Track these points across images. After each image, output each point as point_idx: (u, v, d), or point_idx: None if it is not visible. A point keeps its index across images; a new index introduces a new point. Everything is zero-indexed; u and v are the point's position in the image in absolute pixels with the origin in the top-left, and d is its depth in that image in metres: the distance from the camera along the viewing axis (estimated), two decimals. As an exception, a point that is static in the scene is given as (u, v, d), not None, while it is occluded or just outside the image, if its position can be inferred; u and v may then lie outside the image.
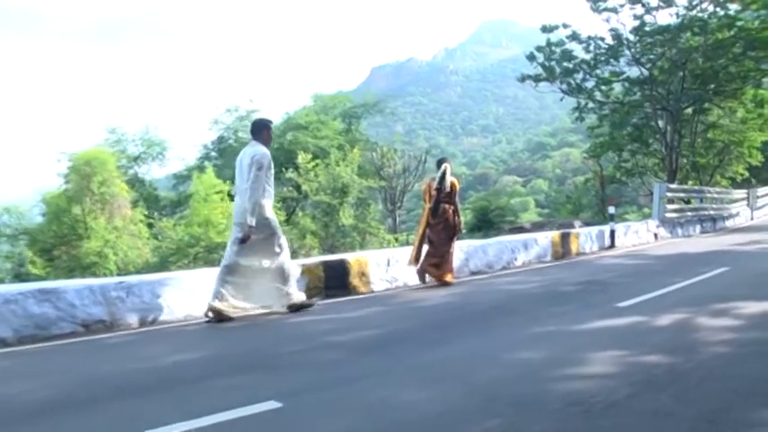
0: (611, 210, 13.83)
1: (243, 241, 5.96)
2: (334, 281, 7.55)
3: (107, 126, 20.54)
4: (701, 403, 2.85)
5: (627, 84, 21.90)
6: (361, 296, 7.41)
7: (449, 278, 8.12)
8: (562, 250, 11.90)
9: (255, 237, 6.00)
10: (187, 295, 6.42)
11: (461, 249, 9.63)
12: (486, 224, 21.55)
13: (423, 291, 7.77)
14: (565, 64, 21.21)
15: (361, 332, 5.16)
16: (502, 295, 7.16)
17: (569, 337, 4.56)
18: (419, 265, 8.09)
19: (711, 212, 19.52)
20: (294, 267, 6.61)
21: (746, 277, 7.56)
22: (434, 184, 8.17)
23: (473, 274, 9.42)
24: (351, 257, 8.09)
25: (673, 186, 17.56)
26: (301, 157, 16.93)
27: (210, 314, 5.93)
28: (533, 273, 9.48)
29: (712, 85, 21.72)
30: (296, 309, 6.20)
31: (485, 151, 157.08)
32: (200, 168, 23.39)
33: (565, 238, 12.10)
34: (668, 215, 16.14)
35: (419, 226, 8.54)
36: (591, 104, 21.86)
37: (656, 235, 15.43)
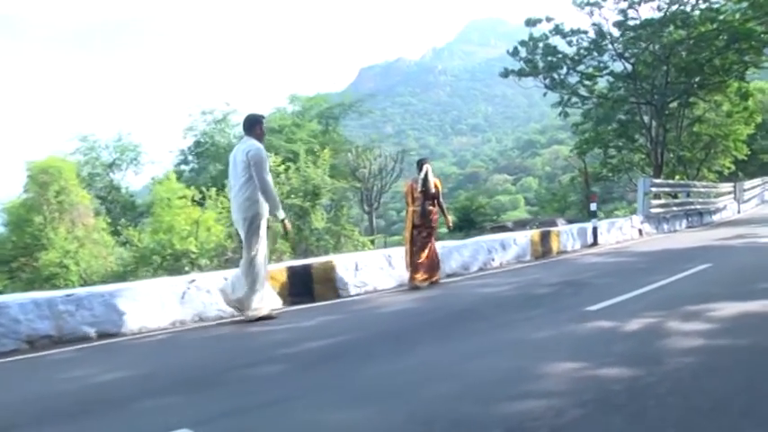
0: (593, 206, 13.56)
1: (286, 233, 6.35)
2: (298, 287, 7.28)
3: (78, 134, 20.10)
4: (657, 426, 2.53)
5: (611, 78, 21.66)
6: (327, 303, 7.10)
7: (435, 278, 8.09)
8: (542, 249, 11.61)
9: (245, 232, 5.95)
10: (141, 307, 6.11)
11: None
12: (468, 224, 21.17)
13: (392, 295, 7.46)
14: (548, 58, 20.94)
15: (313, 343, 4.83)
16: (472, 299, 6.85)
17: (530, 346, 4.24)
18: (411, 282, 7.96)
19: (698, 207, 19.30)
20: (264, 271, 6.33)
21: (728, 274, 7.28)
22: (417, 186, 8.07)
23: (448, 276, 9.11)
24: (317, 262, 7.80)
25: (657, 181, 17.33)
26: (272, 161, 16.57)
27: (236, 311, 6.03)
28: (510, 274, 9.17)
29: (697, 79, 21.54)
30: (258, 320, 5.98)
31: (474, 150, 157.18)
32: (179, 173, 23.01)
33: (545, 236, 11.81)
34: (653, 210, 15.90)
35: (405, 230, 8.40)
36: (574, 99, 21.60)
37: (640, 231, 15.18)
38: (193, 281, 6.58)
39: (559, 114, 21.93)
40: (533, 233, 11.71)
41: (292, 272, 7.37)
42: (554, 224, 15.45)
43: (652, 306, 5.29)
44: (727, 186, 23.29)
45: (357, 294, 7.62)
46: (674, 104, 21.97)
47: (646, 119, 21.95)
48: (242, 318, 6.01)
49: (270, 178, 6.02)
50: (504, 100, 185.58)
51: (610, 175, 25.00)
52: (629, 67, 21.06)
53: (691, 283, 6.72)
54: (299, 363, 4.18)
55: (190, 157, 22.82)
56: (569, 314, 5.20)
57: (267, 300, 6.22)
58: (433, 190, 8.13)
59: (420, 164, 8.38)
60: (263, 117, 6.53)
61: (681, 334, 4.17)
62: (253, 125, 6.23)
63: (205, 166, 21.43)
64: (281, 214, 6.00)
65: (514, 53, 21.12)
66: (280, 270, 7.30)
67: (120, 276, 12.48)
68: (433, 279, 8.13)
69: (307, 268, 7.54)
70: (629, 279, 7.30)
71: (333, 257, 8.57)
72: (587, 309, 5.34)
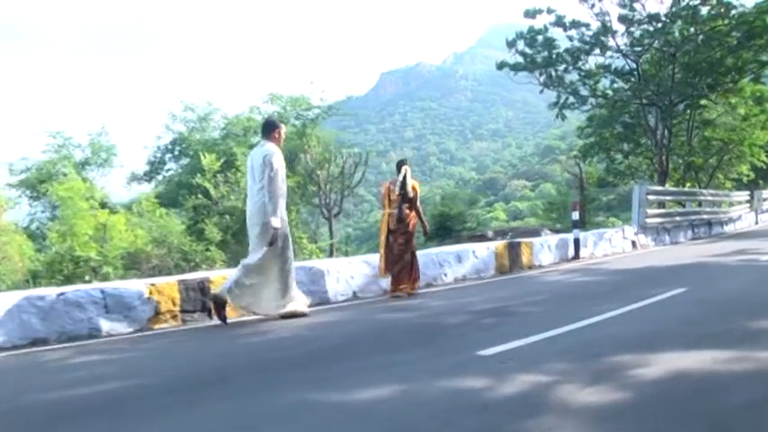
0: (575, 216, 12.06)
1: (271, 244, 5.90)
2: (194, 303, 6.30)
3: (49, 130, 19.14)
4: None
5: (614, 77, 20.00)
6: (235, 320, 6.08)
7: (412, 288, 7.67)
8: (509, 263, 10.21)
9: (263, 237, 5.92)
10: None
11: (369, 264, 8.12)
12: (445, 231, 19.58)
13: (284, 319, 6.17)
14: (547, 52, 19.36)
15: (97, 386, 3.62)
16: (360, 329, 5.53)
17: (343, 412, 2.91)
18: (390, 292, 7.62)
19: (706, 216, 17.63)
20: (294, 273, 6.34)
21: (696, 304, 5.78)
22: (395, 189, 7.76)
23: (385, 293, 7.83)
24: (217, 275, 6.71)
25: (653, 188, 15.70)
26: (207, 160, 15.49)
27: (212, 304, 5.92)
28: (447, 294, 7.80)
29: (708, 80, 19.79)
30: (289, 316, 6.00)
31: (494, 156, 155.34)
32: (155, 171, 21.92)
33: (513, 248, 10.40)
34: (650, 220, 14.32)
35: (380, 233, 7.99)
36: (572, 99, 20.00)
37: (634, 243, 13.64)
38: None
39: (556, 117, 20.39)
40: (498, 245, 10.31)
41: (186, 286, 6.37)
42: (537, 234, 13.99)
43: (563, 354, 3.90)
44: (742, 195, 21.46)
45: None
46: (682, 106, 20.23)
47: (651, 122, 20.24)
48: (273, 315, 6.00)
49: (278, 185, 5.98)
50: (525, 105, 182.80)
51: (614, 181, 23.26)
52: (633, 65, 19.43)
53: (642, 317, 5.27)
54: (50, 414, 2.94)
55: (168, 156, 21.52)
56: (449, 361, 3.84)
57: (298, 299, 6.22)
58: (411, 193, 7.74)
59: (399, 165, 8.00)
60: (282, 123, 6.62)
61: (560, 411, 2.79)
62: (271, 129, 6.28)
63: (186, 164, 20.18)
64: (275, 222, 5.87)
65: (511, 45, 19.57)
66: (169, 284, 6.30)
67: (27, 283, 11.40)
68: (412, 289, 7.65)
69: (203, 282, 6.47)
70: (574, 307, 5.91)
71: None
72: (479, 353, 3.97)
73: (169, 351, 4.97)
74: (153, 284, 6.20)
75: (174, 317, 6.16)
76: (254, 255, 6.02)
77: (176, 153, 21.34)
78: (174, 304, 6.22)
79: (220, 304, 5.88)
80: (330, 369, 3.88)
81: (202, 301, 6.31)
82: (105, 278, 11.21)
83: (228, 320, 5.92)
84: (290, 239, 6.26)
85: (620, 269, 9.59)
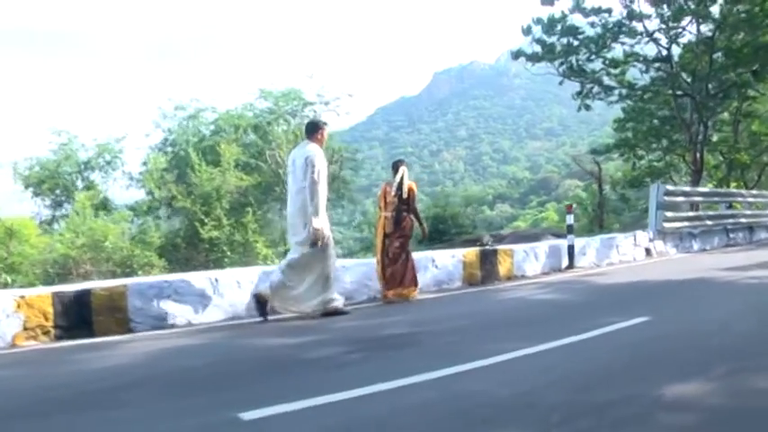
0: (570, 219, 10.58)
1: (313, 244, 5.97)
2: (70, 318, 5.72)
3: (53, 128, 18.96)
4: None
5: (642, 67, 18.10)
6: (108, 339, 5.51)
7: (411, 293, 7.30)
8: (481, 273, 8.97)
9: (305, 237, 5.99)
10: None
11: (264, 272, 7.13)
12: (438, 234, 18.02)
13: (165, 339, 5.42)
14: (568, 40, 17.70)
15: None
16: (189, 361, 4.49)
17: None
18: (384, 297, 7.26)
19: (745, 220, 15.61)
20: (336, 273, 6.50)
21: (633, 347, 4.29)
22: (392, 191, 7.44)
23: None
24: (100, 287, 6.08)
25: (672, 188, 13.90)
26: (153, 160, 14.74)
27: (255, 302, 6.09)
28: (373, 311, 6.75)
29: (753, 66, 17.61)
30: (331, 314, 6.09)
31: (548, 155, 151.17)
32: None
33: (487, 257, 9.13)
34: (669, 225, 12.62)
35: (376, 238, 7.74)
36: (597, 89, 18.25)
37: (648, 250, 12.03)
38: None
39: (579, 108, 18.68)
40: (467, 252, 9.06)
41: (61, 299, 5.75)
42: (536, 238, 12.55)
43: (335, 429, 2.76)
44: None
45: (155, 328, 5.93)
46: (721, 97, 18.09)
47: (686, 115, 18.22)
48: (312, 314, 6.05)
49: (322, 186, 6.00)
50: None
51: (649, 180, 21.22)
52: (664, 51, 17.52)
53: (545, 364, 3.95)
54: None
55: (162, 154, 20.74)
56: (193, 423, 2.80)
57: (339, 298, 6.32)
58: (407, 194, 7.42)
59: (396, 166, 7.66)
60: (325, 123, 6.65)
61: None
62: (314, 130, 6.36)
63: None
64: (317, 223, 5.94)
65: (527, 31, 17.99)
66: (41, 296, 5.69)
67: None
68: (410, 294, 7.29)
69: (83, 295, 5.87)
70: (492, 338, 4.81)
71: (129, 281, 6.67)
72: (242, 415, 2.89)
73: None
74: (23, 297, 5.61)
75: (46, 333, 5.60)
76: (295, 254, 6.10)
77: (168, 152, 20.58)
78: (46, 319, 5.64)
79: (262, 302, 6.03)
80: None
81: (80, 314, 5.73)
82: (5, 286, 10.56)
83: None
84: (332, 239, 6.30)
85: (607, 284, 8.18)
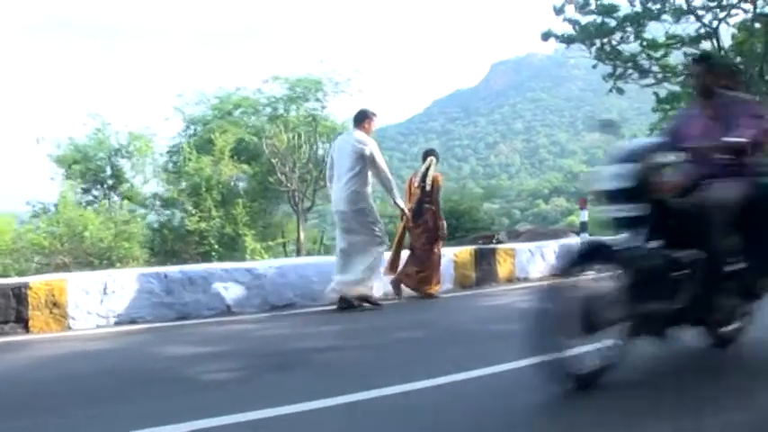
0: (583, 216, 9.55)
1: (403, 218, 6.71)
2: (5, 312, 5.54)
3: (89, 111, 19.00)
4: None
5: (686, 50, 16.52)
6: (45, 336, 5.35)
7: (433, 290, 7.02)
8: (476, 275, 8.14)
9: (357, 223, 6.13)
10: None
11: (251, 272, 6.57)
12: (451, 230, 16.85)
13: (98, 341, 5.07)
14: (603, 19, 16.34)
15: None
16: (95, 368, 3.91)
17: None
18: (395, 275, 6.99)
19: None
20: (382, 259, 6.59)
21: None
22: (416, 181, 7.21)
23: (273, 308, 6.42)
24: (38, 281, 5.82)
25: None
26: (135, 151, 14.31)
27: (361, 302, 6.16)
28: (310, 319, 5.98)
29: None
30: (362, 300, 6.13)
31: (606, 148, 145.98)
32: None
33: (483, 257, 8.29)
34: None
35: (396, 230, 7.50)
36: (630, 70, 16.85)
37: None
38: None
39: (610, 90, 17.37)
40: (459, 251, 8.23)
41: None
42: (556, 236, 11.49)
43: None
44: None
45: (99, 327, 5.71)
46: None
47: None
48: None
49: (384, 169, 6.25)
50: (639, 94, 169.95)
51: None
52: (711, 29, 15.91)
53: (446, 400, 3.16)
54: None
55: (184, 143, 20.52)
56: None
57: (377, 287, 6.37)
58: (431, 186, 7.10)
59: (426, 155, 7.40)
60: (374, 114, 6.61)
61: None
62: (362, 119, 6.45)
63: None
64: (400, 202, 6.58)
65: (559, 11, 16.71)
66: None
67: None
68: (428, 291, 6.99)
69: (19, 289, 5.63)
70: (420, 359, 3.98)
71: (68, 276, 6.37)
72: None
73: None
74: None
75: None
76: (343, 243, 6.20)
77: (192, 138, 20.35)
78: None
79: (348, 305, 6.07)
80: None
81: (17, 309, 5.54)
82: None
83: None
84: (380, 223, 6.36)
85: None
